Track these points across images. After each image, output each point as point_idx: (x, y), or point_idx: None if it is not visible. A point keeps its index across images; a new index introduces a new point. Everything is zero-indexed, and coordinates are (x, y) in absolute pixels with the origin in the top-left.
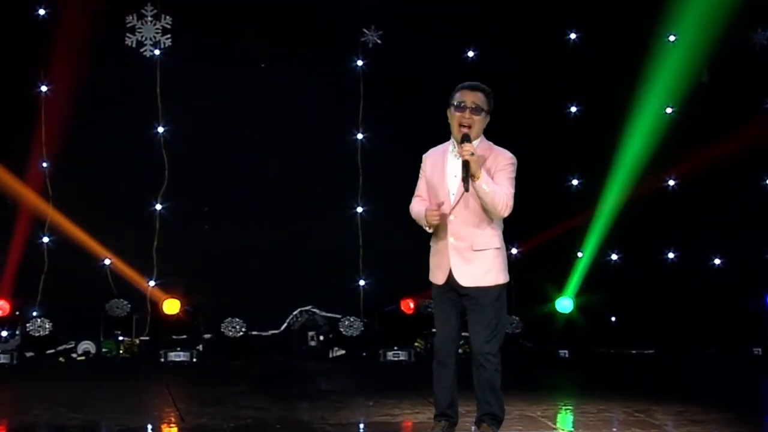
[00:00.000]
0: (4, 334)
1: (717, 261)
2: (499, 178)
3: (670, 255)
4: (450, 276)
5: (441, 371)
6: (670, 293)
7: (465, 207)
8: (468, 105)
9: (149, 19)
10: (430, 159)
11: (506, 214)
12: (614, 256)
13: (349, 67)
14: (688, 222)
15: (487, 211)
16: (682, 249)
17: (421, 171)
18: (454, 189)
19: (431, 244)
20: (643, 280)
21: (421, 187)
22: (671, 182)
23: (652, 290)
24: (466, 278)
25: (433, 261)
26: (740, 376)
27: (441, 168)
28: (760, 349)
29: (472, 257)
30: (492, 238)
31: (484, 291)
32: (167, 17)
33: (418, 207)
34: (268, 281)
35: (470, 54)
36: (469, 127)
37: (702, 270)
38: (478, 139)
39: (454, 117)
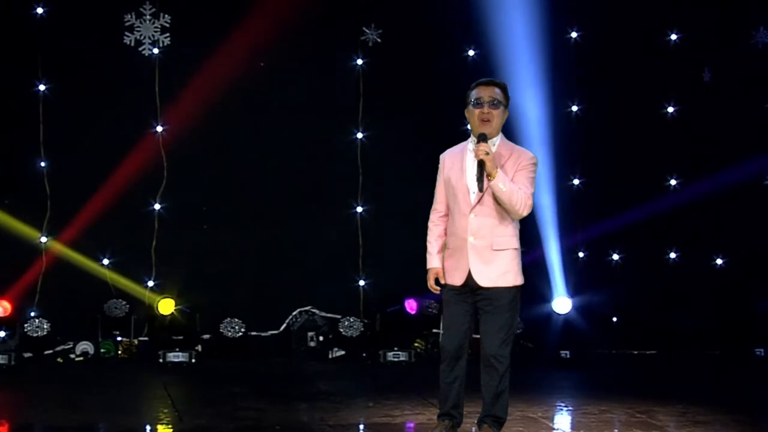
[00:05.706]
0: (2, 334)
1: (719, 261)
2: (519, 178)
3: (672, 255)
4: (468, 277)
5: (451, 372)
6: (671, 293)
7: (486, 206)
8: (485, 100)
9: (148, 17)
10: (448, 157)
11: (525, 213)
12: (615, 256)
13: (348, 66)
14: (690, 221)
15: (506, 211)
16: (683, 248)
17: (438, 173)
18: (474, 187)
19: (448, 244)
20: (644, 279)
21: (438, 195)
22: (673, 182)
23: (654, 290)
24: (485, 279)
25: (450, 262)
26: (743, 377)
27: (460, 165)
28: (762, 350)
29: (492, 257)
30: (511, 238)
31: (501, 292)
32: (166, 16)
33: (430, 236)
34: (267, 281)
35: (470, 53)
36: (489, 121)
37: (704, 270)
38: (499, 137)
39: (473, 114)
